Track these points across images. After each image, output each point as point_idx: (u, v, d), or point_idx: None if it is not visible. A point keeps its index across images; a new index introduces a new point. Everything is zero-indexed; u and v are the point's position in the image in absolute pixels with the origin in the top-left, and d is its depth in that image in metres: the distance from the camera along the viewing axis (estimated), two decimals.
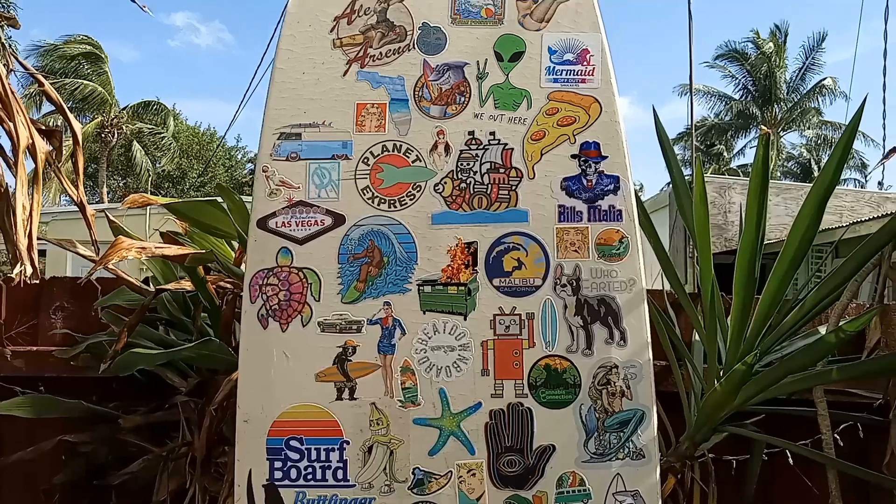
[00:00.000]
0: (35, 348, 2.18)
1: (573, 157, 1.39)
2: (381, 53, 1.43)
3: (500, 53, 1.42)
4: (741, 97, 26.18)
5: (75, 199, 1.45)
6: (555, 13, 1.42)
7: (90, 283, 2.23)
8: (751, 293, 1.77)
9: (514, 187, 1.39)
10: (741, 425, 1.92)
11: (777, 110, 26.24)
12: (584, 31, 1.41)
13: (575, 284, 1.37)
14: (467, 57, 1.42)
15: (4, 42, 1.50)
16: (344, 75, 1.43)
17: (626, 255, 1.37)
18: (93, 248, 1.65)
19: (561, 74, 1.41)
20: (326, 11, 1.45)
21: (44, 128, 1.43)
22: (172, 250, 1.57)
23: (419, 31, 1.43)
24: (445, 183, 1.40)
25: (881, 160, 1.71)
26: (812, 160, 24.47)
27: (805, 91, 26.23)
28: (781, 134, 26.66)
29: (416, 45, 1.43)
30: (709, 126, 26.19)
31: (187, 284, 1.70)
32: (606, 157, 1.39)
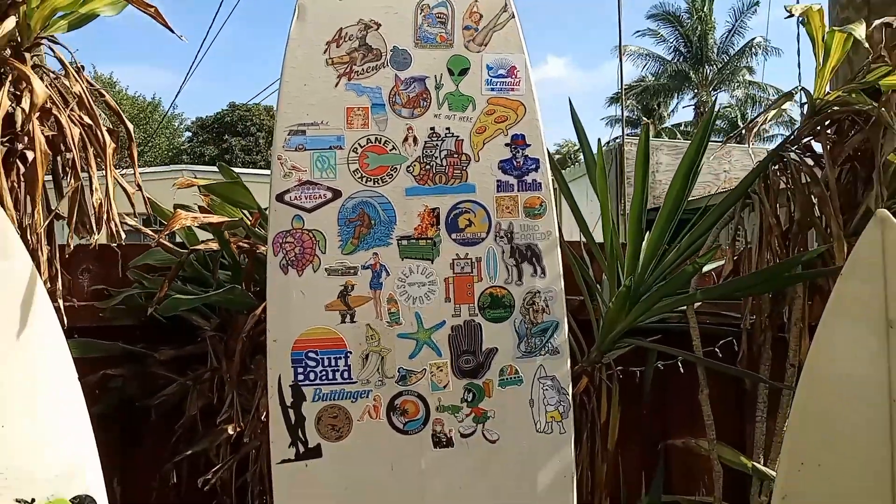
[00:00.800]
0: (68, 303, 2.63)
1: (506, 145, 1.95)
2: (363, 70, 1.94)
3: (452, 69, 1.95)
4: (674, 58, 27.12)
5: (131, 185, 1.92)
6: (490, 39, 1.96)
7: (110, 248, 2.68)
8: (640, 240, 2.39)
9: (464, 168, 1.94)
10: (639, 339, 2.55)
11: (709, 71, 27.36)
12: (512, 52, 1.95)
13: (509, 236, 1.93)
14: (427, 72, 1.94)
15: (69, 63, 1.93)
16: (336, 86, 1.93)
17: (545, 214, 1.95)
18: (137, 220, 2.12)
19: (496, 85, 1.95)
20: (320, 38, 1.93)
21: (107, 129, 1.89)
22: (214, 219, 2.06)
23: (391, 53, 1.94)
24: (414, 166, 1.93)
25: (726, 140, 2.28)
26: (738, 118, 25.70)
27: (734, 52, 27.35)
28: (713, 94, 27.80)
29: (389, 64, 1.94)
30: (644, 87, 27.09)
31: (214, 245, 2.19)
32: (530, 144, 1.95)
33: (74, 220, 1.84)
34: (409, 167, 1.93)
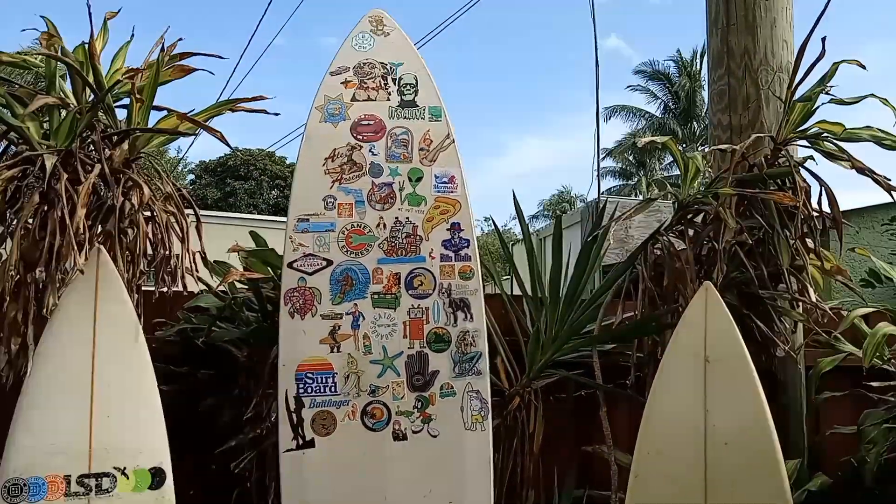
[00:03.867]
0: None
1: (447, 230, 2.70)
2: (350, 177, 2.71)
3: (411, 177, 2.72)
4: (663, 115, 28.08)
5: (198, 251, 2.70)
6: (438, 157, 2.73)
7: (162, 295, 3.44)
8: (557, 298, 3.12)
9: (418, 245, 2.69)
10: (561, 371, 3.25)
11: (696, 127, 28.30)
12: (453, 166, 2.72)
13: (448, 292, 2.67)
14: (394, 179, 2.72)
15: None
16: (330, 188, 2.70)
17: (473, 278, 2.69)
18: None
19: (441, 189, 2.71)
20: (320, 155, 2.72)
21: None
22: (255, 275, 2.84)
23: (369, 166, 2.72)
24: (384, 244, 2.68)
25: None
26: None
27: None
28: (701, 149, 28.65)
29: (368, 173, 2.72)
30: (633, 142, 27.99)
31: (249, 294, 2.96)
32: (463, 229, 2.70)
33: (159, 277, 2.61)
34: (380, 244, 2.69)
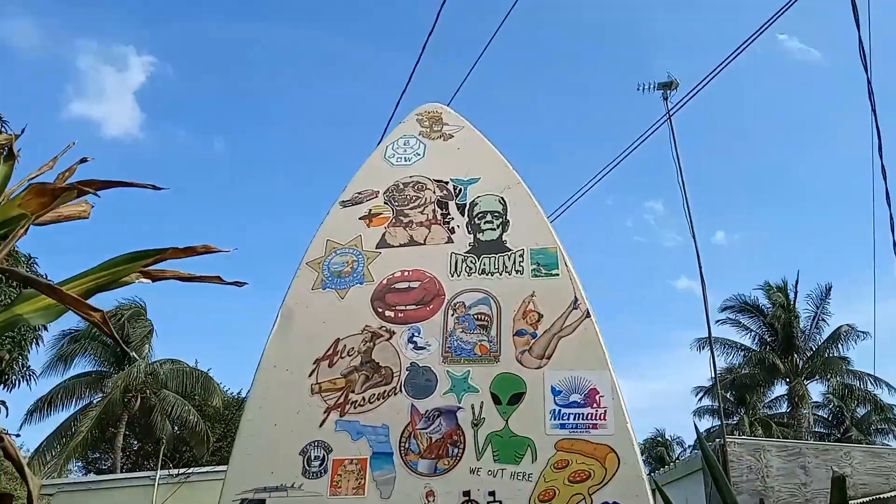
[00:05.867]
0: None
1: None
2: (364, 399, 1.19)
3: (498, 395, 1.18)
4: (760, 348, 25.58)
5: None
6: (556, 348, 1.20)
7: None
8: None
9: None
10: None
11: (798, 360, 25.44)
12: (592, 367, 1.17)
13: None
14: (461, 401, 1.17)
15: None
16: (321, 425, 1.18)
17: None
18: None
19: (568, 419, 1.14)
20: (306, 356, 1.25)
21: None
22: None
23: (407, 373, 1.21)
24: None
25: None
26: (843, 408, 23.00)
27: (822, 340, 25.57)
28: (806, 383, 25.48)
29: (403, 388, 1.20)
30: (734, 377, 25.27)
31: None
32: None
33: None
34: None
